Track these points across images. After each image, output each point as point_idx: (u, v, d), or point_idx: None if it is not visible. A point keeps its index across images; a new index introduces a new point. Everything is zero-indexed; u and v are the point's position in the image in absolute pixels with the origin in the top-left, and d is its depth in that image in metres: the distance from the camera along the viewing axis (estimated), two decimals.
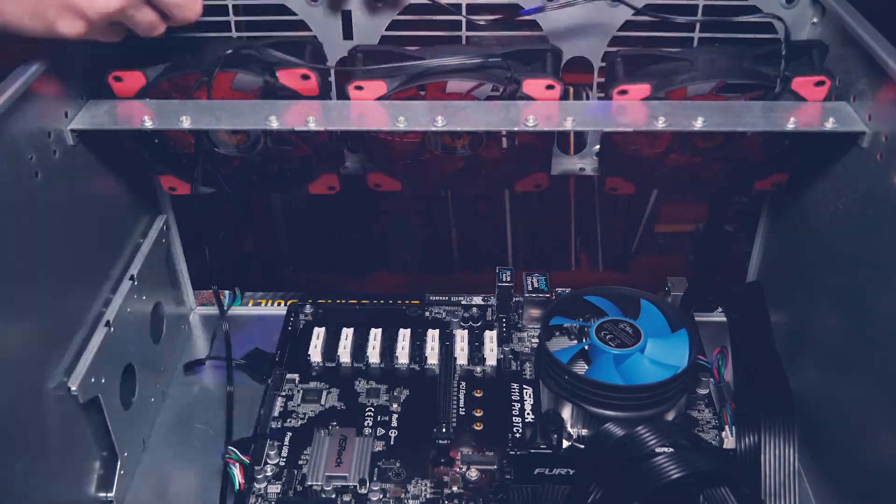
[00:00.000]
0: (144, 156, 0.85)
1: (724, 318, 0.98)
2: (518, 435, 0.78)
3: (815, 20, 0.79)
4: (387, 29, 0.80)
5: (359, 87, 0.75)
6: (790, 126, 0.71)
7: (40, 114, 0.67)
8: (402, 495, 0.74)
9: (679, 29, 0.80)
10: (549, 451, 0.74)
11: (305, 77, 0.76)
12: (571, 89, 0.81)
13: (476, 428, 0.80)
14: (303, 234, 1.72)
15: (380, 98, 0.75)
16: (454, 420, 0.81)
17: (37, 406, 0.66)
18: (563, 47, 0.80)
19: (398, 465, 0.77)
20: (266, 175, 0.86)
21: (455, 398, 0.84)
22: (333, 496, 0.74)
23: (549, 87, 0.74)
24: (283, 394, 0.85)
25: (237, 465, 0.76)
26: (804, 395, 0.79)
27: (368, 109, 0.74)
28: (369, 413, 0.82)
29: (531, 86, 0.74)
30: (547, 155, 0.87)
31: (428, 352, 0.88)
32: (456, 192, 1.70)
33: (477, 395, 0.84)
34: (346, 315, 0.94)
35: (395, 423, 0.81)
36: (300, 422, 0.81)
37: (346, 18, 0.80)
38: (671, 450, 0.67)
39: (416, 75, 0.75)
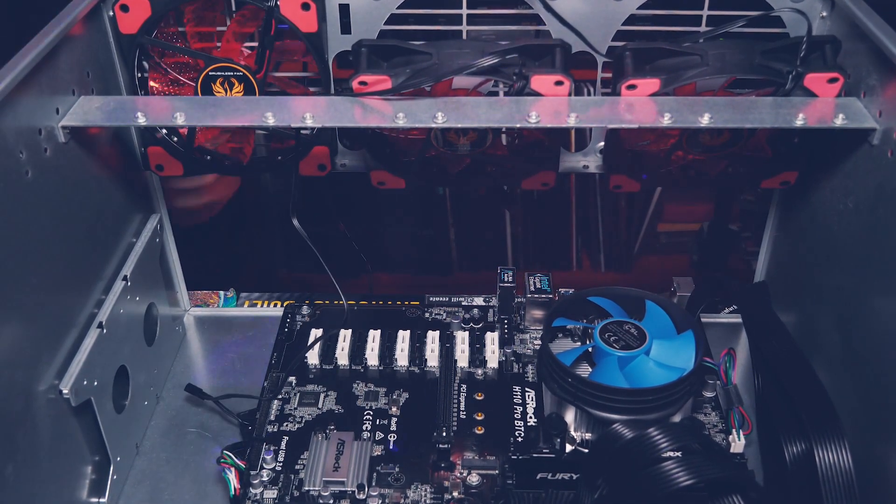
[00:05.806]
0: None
1: (731, 320, 0.98)
2: (520, 439, 0.77)
3: (823, 14, 0.78)
4: (386, 23, 0.79)
5: (363, 83, 0.73)
6: (799, 122, 0.70)
7: (31, 110, 0.66)
8: (402, 501, 0.73)
9: (684, 24, 0.79)
10: (552, 456, 0.73)
11: (306, 7, 0.74)
12: (573, 86, 0.80)
13: (477, 432, 0.79)
14: (300, 233, 1.70)
15: (385, 94, 0.73)
16: (455, 423, 0.80)
17: (27, 409, 0.65)
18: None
19: (397, 469, 0.75)
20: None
21: (456, 401, 0.82)
22: (331, 501, 0.72)
23: (559, 83, 0.73)
24: (280, 397, 0.83)
25: (232, 469, 0.75)
26: None
27: (367, 105, 0.73)
28: (368, 416, 0.81)
29: (539, 81, 0.73)
30: (555, 153, 0.85)
31: (428, 354, 0.87)
32: (462, 191, 1.69)
33: (478, 397, 0.83)
34: (345, 316, 0.93)
35: (394, 427, 0.80)
36: (297, 425, 0.80)
37: (345, 12, 0.79)
38: (679, 454, 0.66)
39: (427, 73, 0.73)
